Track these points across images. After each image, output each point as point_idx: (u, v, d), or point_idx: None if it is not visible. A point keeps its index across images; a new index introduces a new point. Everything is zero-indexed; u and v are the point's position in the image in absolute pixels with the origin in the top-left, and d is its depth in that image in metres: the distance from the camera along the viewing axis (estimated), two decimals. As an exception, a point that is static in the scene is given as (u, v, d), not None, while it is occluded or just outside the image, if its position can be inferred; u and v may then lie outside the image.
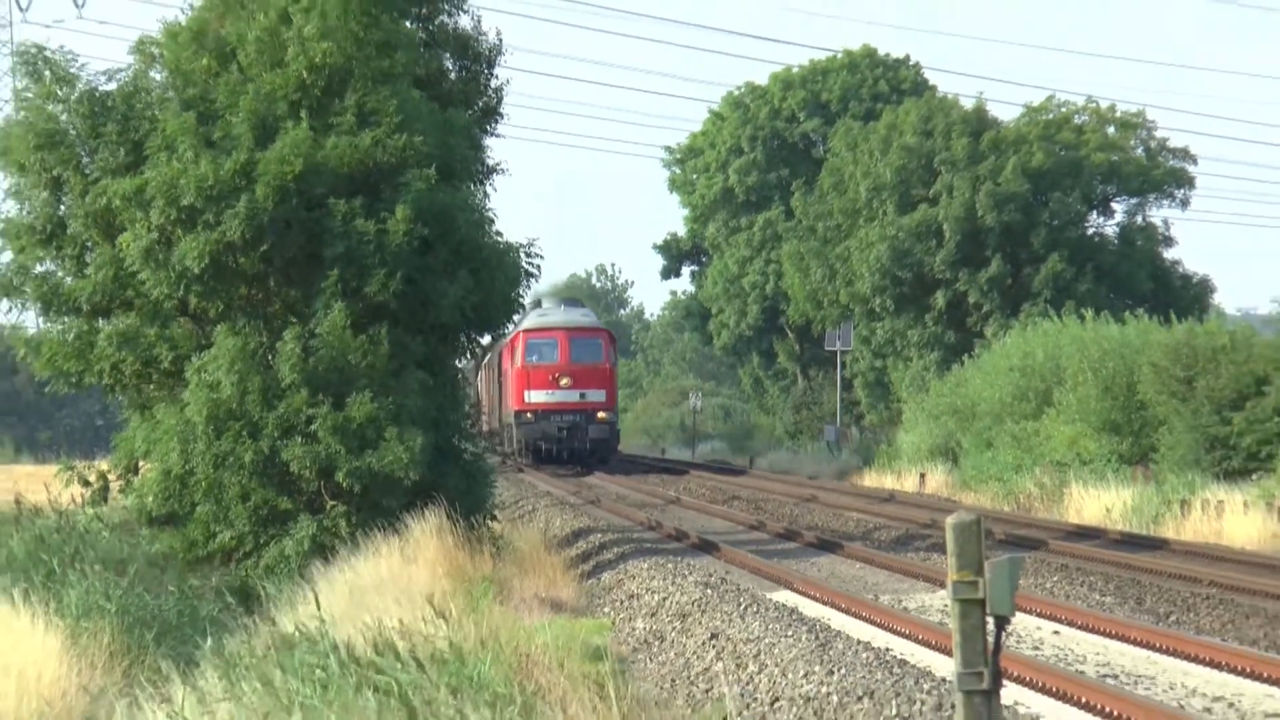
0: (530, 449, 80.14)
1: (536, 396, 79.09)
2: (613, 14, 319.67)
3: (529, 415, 79.22)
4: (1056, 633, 29.08)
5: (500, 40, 48.75)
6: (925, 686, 23.02)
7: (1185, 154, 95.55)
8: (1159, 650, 27.06)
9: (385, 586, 30.46)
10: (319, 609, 25.80)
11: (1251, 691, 23.54)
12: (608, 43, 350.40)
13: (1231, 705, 22.57)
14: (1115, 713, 21.50)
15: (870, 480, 78.41)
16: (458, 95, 47.56)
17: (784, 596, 33.59)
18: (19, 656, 28.76)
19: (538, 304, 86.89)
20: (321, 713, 17.02)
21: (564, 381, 78.31)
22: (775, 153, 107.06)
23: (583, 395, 78.97)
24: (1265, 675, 24.36)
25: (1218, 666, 25.37)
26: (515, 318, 55.97)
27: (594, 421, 78.79)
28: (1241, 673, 24.78)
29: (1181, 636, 28.26)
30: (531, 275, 46.39)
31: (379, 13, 43.51)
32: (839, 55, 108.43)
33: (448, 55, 47.97)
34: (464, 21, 48.23)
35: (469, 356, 55.64)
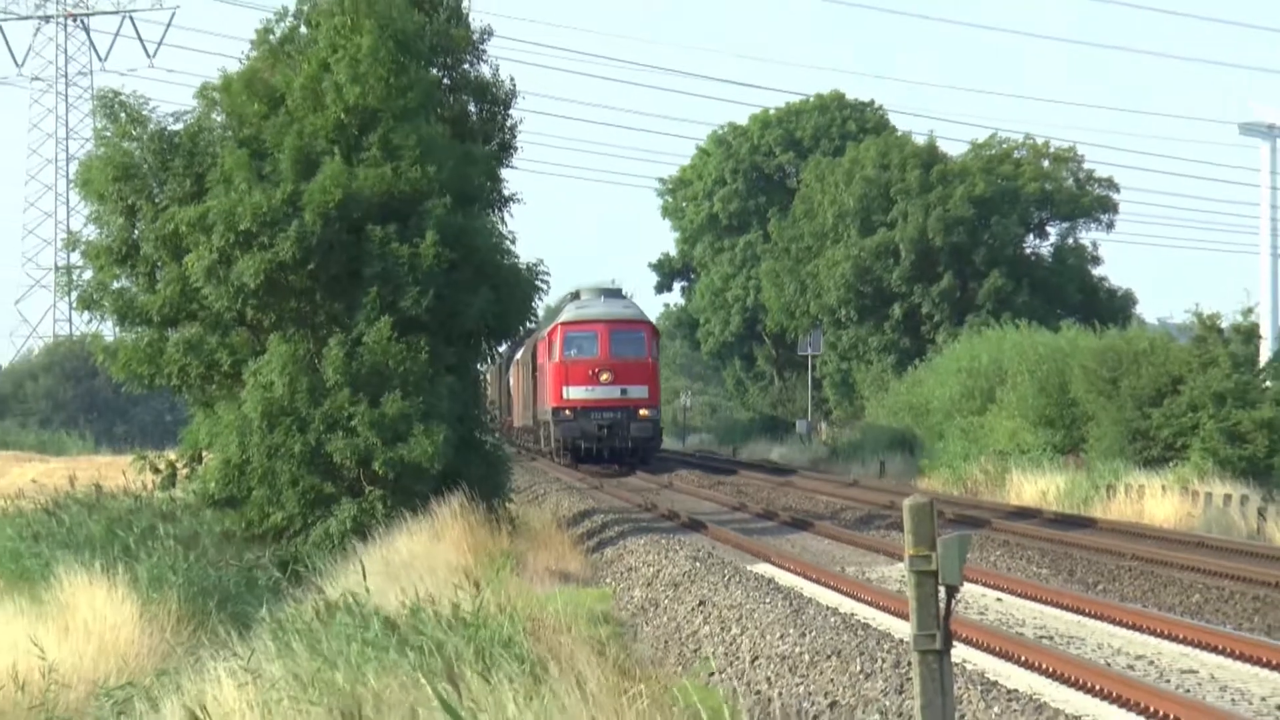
0: (569, 448, 65.79)
1: (575, 393, 64.92)
2: (614, 64, 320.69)
3: (567, 413, 64.83)
4: (999, 600, 29.10)
5: (514, 86, 48.86)
6: (885, 646, 23.00)
7: (1110, 183, 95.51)
8: (1088, 615, 27.08)
9: (416, 561, 30.44)
10: (365, 579, 25.80)
11: (1169, 651, 23.54)
12: (611, 89, 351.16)
13: (1152, 663, 22.56)
14: (1050, 669, 21.48)
15: (838, 469, 78.21)
16: (478, 133, 47.66)
17: (762, 569, 33.57)
18: (99, 621, 28.78)
19: (576, 295, 74.22)
20: (363, 669, 16.99)
21: (604, 377, 64.19)
22: (754, 183, 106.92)
23: (624, 391, 64.56)
24: (1181, 637, 24.38)
25: (1139, 629, 25.38)
26: (530, 324, 55.29)
27: (636, 419, 64.39)
28: (1160, 635, 24.78)
29: (1108, 603, 28.28)
30: (541, 290, 46.81)
31: (406, 61, 43.79)
32: (811, 99, 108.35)
33: (470, 99, 48.06)
34: (484, 70, 48.44)
35: (490, 360, 55.62)
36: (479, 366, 52.44)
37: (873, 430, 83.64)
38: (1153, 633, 25.00)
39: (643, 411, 64.87)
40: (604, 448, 65.13)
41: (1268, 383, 55.28)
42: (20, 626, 28.23)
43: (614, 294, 75.32)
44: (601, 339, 65.29)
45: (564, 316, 67.60)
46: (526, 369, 79.62)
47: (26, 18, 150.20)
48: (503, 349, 71.54)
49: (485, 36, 48.42)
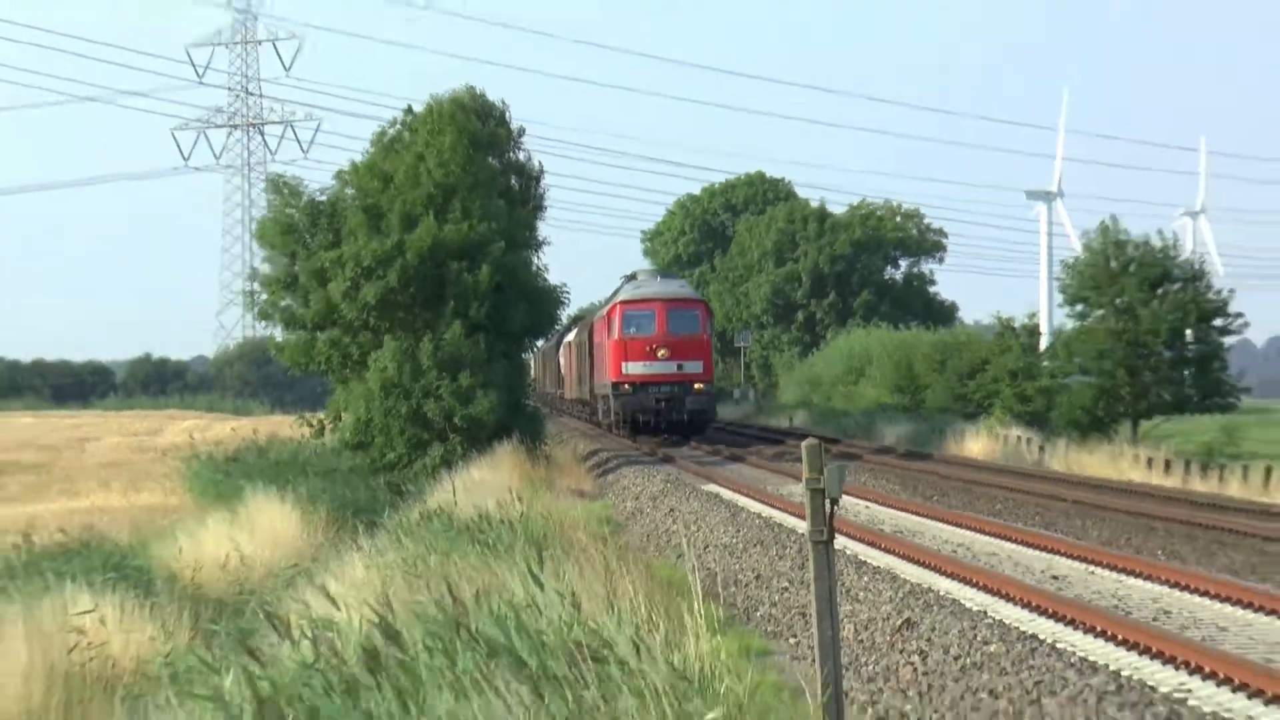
0: (627, 421, 51.53)
1: (634, 368, 51.33)
2: (617, 153, 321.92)
3: (626, 387, 50.98)
4: (867, 507, 29.13)
5: (541, 167, 49.94)
6: (792, 539, 23.08)
7: (941, 232, 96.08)
8: (926, 517, 27.10)
9: (482, 484, 30.50)
10: (454, 495, 25.89)
11: (980, 541, 23.59)
12: (612, 170, 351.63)
13: (968, 548, 22.61)
14: (901, 553, 21.53)
15: (761, 421, 78.23)
16: (519, 199, 48.06)
17: (712, 488, 33.60)
18: (274, 525, 28.90)
19: (632, 276, 58.68)
20: (447, 553, 17.03)
21: (661, 353, 50.56)
22: (704, 233, 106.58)
23: (680, 367, 51.08)
24: (988, 531, 24.40)
25: (960, 526, 25.41)
26: (557, 327, 54.85)
27: (691, 393, 51.15)
28: (974, 529, 24.82)
29: (939, 509, 28.34)
30: (564, 304, 47.89)
31: (473, 153, 44.25)
32: (742, 176, 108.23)
33: (513, 175, 48.43)
34: (521, 156, 49.11)
35: (531, 351, 56.09)
36: (524, 355, 52.88)
37: (784, 396, 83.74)
38: (969, 528, 25.05)
39: (698, 385, 50.89)
40: (662, 420, 50.51)
41: (1044, 363, 55.42)
42: (222, 530, 28.30)
43: (669, 275, 60.85)
44: (659, 317, 50.83)
45: (622, 296, 52.52)
46: (580, 349, 63.91)
47: (222, 126, 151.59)
48: (540, 343, 70.68)
49: (520, 134, 48.95)
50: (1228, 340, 51.65)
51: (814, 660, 9.03)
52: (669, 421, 49.72)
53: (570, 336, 66.78)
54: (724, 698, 8.12)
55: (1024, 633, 14.94)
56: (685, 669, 9.22)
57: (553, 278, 49.01)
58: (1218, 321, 50.76)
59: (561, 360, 73.28)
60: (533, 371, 76.26)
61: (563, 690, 8.45)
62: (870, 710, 12.90)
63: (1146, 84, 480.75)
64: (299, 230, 44.57)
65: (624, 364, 50.12)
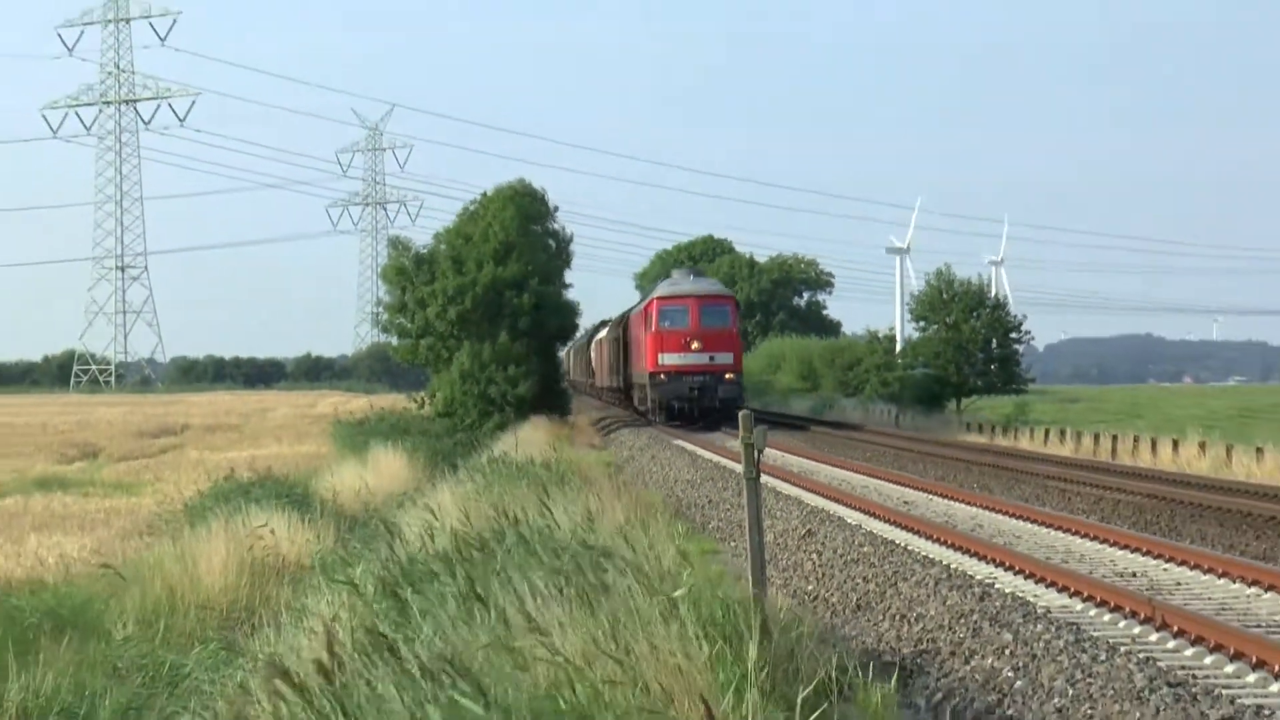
0: (664, 407, 39.46)
1: (669, 359, 40.34)
2: (620, 222, 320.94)
3: (662, 376, 40.05)
4: (782, 456, 28.91)
5: (570, 233, 49.07)
6: (733, 477, 22.91)
7: (830, 274, 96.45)
8: (820, 463, 26.93)
9: (527, 441, 30.38)
10: (516, 447, 25.71)
11: (857, 479, 23.42)
12: (616, 232, 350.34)
13: (849, 484, 22.46)
14: (804, 486, 21.37)
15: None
16: (555, 252, 47.77)
17: (680, 443, 33.45)
18: (389, 466, 28.67)
19: (667, 275, 48.76)
20: (505, 486, 16.91)
21: (694, 345, 39.84)
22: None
23: (712, 358, 40.09)
24: (862, 471, 24.25)
25: (843, 469, 25.29)
26: (575, 325, 50.93)
27: (723, 382, 40.25)
28: (852, 470, 24.70)
29: (829, 457, 28.17)
30: (579, 317, 48.60)
31: (525, 223, 44.32)
32: (700, 237, 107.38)
33: (550, 238, 48.00)
34: (555, 225, 48.37)
35: (563, 349, 56.39)
36: (559, 353, 52.74)
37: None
38: (849, 469, 24.94)
39: (728, 375, 39.45)
40: (695, 407, 39.32)
41: (899, 360, 55.49)
42: (355, 470, 28.07)
43: (700, 273, 48.18)
44: (692, 312, 39.40)
45: (658, 292, 41.31)
46: (614, 343, 50.73)
47: (359, 204, 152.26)
48: (570, 342, 67.51)
49: (556, 208, 48.41)
50: (1020, 346, 52.62)
51: (747, 557, 8.91)
52: (702, 408, 39.14)
53: (601, 334, 56.87)
54: (689, 580, 8.01)
55: (886, 539, 14.83)
56: (666, 560, 9.11)
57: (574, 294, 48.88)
58: (1013, 334, 51.87)
59: (593, 354, 63.34)
60: (565, 364, 74.52)
61: (580, 574, 8.32)
62: (784, 589, 12.78)
63: (966, 175, 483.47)
64: (408, 272, 44.64)
65: (660, 355, 39.17)
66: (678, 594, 7.09)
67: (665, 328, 39.08)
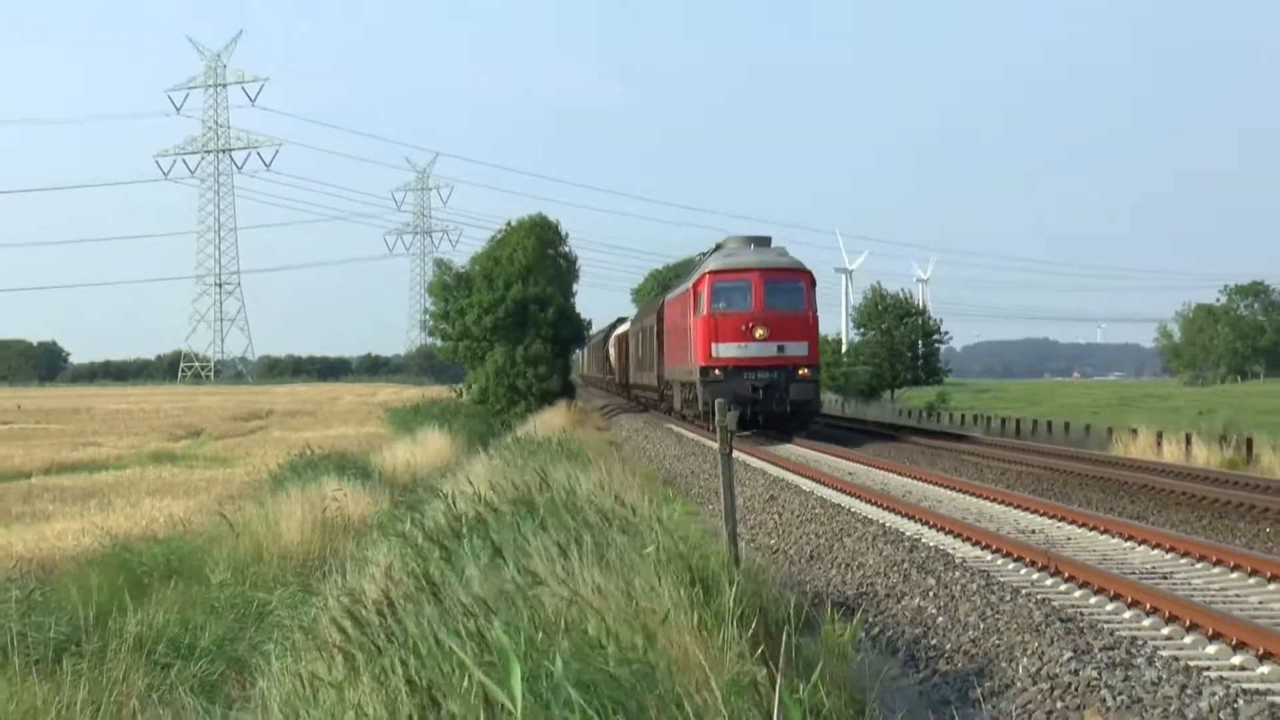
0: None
1: (726, 350, 22.03)
2: (619, 247, 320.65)
3: (717, 373, 22.15)
4: (751, 436, 28.80)
5: (578, 255, 48.81)
6: (711, 453, 22.71)
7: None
8: (781, 442, 26.70)
9: (548, 423, 30.24)
10: (536, 429, 25.57)
11: (816, 456, 23.08)
12: (614, 256, 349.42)
13: (804, 459, 22.16)
14: (770, 461, 21.12)
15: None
16: (566, 273, 47.64)
17: (670, 426, 33.28)
18: (435, 444, 28.52)
19: (719, 246, 25.45)
20: (529, 458, 16.80)
21: (760, 333, 21.43)
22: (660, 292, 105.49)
23: (781, 349, 21.63)
24: (823, 450, 23.75)
25: (799, 446, 24.93)
26: (584, 331, 48.79)
27: (795, 380, 21.99)
28: (807, 448, 24.29)
29: (797, 441, 28.02)
30: (587, 327, 48.05)
31: (543, 248, 44.14)
32: (683, 261, 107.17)
33: (562, 260, 47.87)
34: (567, 249, 48.12)
35: (576, 350, 56.34)
36: (573, 354, 52.52)
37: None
38: (811, 449, 24.64)
39: (802, 371, 22.83)
40: (759, 411, 23.31)
41: (844, 359, 55.50)
42: (407, 449, 27.95)
43: (764, 241, 24.97)
44: (756, 290, 22.46)
45: (711, 265, 23.65)
46: (641, 335, 36.80)
47: (410, 233, 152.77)
48: (585, 344, 62.80)
49: (567, 234, 48.26)
50: (940, 346, 52.91)
51: (723, 517, 8.89)
52: (768, 413, 23.70)
53: (623, 329, 45.87)
54: (678, 534, 8.01)
55: (835, 503, 14.78)
56: (665, 520, 9.09)
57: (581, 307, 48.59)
58: (935, 337, 52.04)
59: (611, 351, 50.51)
60: (580, 363, 70.10)
61: (592, 533, 8.28)
62: (752, 542, 12.75)
63: (895, 218, 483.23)
64: (449, 288, 44.58)
65: (714, 345, 23.18)
66: (647, 550, 7.11)
67: (720, 310, 23.01)
